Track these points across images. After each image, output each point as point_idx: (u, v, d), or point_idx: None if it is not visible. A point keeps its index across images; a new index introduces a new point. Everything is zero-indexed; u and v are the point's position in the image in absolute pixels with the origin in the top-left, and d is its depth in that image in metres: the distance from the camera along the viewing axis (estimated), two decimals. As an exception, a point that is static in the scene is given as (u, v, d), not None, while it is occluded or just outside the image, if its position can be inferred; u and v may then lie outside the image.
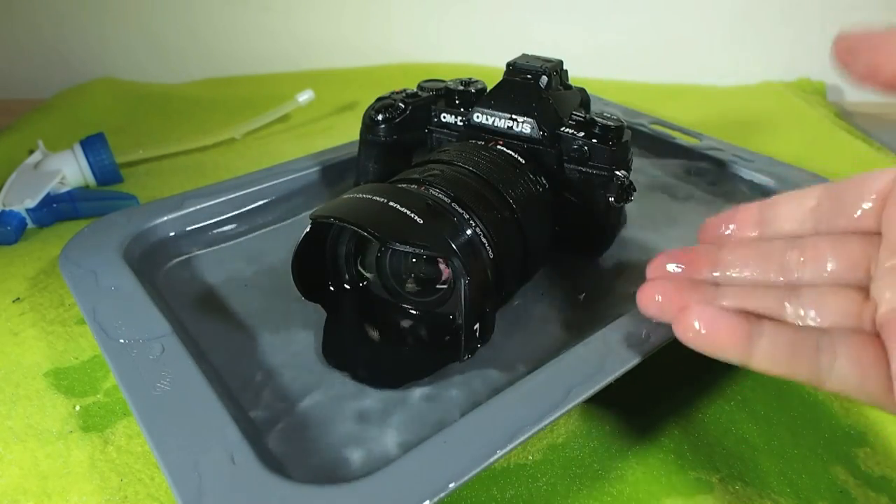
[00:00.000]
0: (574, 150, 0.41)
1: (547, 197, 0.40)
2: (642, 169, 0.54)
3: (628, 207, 0.43)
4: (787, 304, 0.24)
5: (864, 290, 0.23)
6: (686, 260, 0.27)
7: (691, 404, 0.36)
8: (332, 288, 0.37)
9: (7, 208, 0.50)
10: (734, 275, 0.26)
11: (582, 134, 0.40)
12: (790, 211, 0.26)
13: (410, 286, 0.36)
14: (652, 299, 0.26)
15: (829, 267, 0.24)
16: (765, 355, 0.23)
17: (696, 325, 0.24)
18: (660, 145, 0.56)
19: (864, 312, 0.23)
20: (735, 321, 0.24)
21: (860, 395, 0.22)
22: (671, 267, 0.27)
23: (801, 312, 0.24)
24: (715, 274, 0.26)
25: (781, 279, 0.25)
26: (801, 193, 0.26)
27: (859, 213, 0.24)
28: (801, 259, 0.25)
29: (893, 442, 0.34)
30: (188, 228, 0.45)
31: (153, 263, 0.43)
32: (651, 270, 0.27)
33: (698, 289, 0.26)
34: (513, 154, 0.40)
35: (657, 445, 0.33)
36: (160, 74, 0.82)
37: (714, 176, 0.52)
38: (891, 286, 0.22)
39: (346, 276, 0.37)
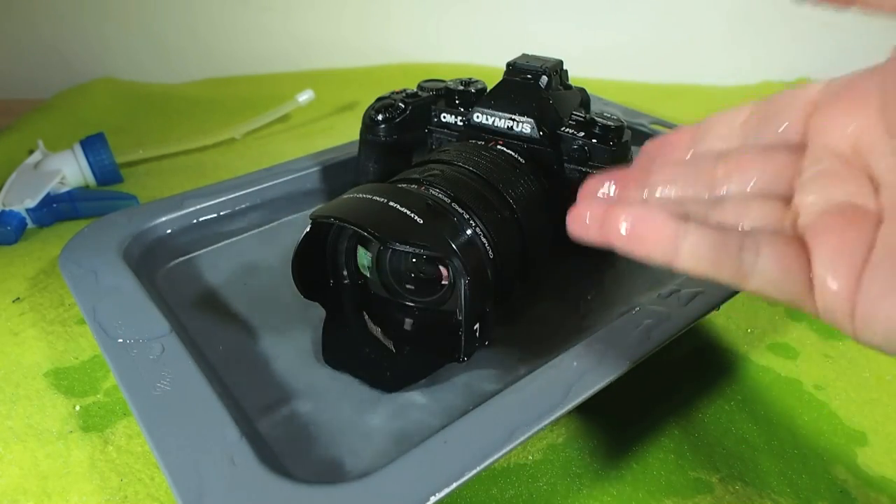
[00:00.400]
0: (574, 150, 0.41)
1: (547, 197, 0.40)
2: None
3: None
4: (710, 214, 0.24)
5: (787, 200, 0.23)
6: (616, 179, 0.27)
7: (691, 404, 0.36)
8: (331, 283, 0.37)
9: (7, 208, 0.50)
10: (662, 191, 0.26)
11: (582, 134, 0.40)
12: (721, 128, 0.26)
13: (410, 286, 0.36)
14: (581, 220, 0.26)
15: (754, 178, 0.24)
16: (689, 255, 0.23)
17: (623, 226, 0.24)
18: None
19: (785, 219, 0.23)
20: (661, 220, 0.24)
21: (781, 295, 0.22)
22: (601, 188, 0.27)
23: (724, 220, 0.24)
24: (644, 191, 0.26)
25: (707, 194, 0.25)
26: (734, 110, 0.26)
27: (786, 125, 0.24)
28: (727, 172, 0.25)
29: (893, 442, 0.34)
30: (188, 228, 0.45)
31: (153, 263, 0.43)
32: (582, 193, 0.27)
33: (626, 204, 0.25)
34: (513, 154, 0.40)
35: (657, 445, 0.33)
36: (160, 74, 0.82)
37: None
38: (814, 192, 0.22)
39: (346, 274, 0.37)
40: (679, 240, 0.23)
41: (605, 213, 0.25)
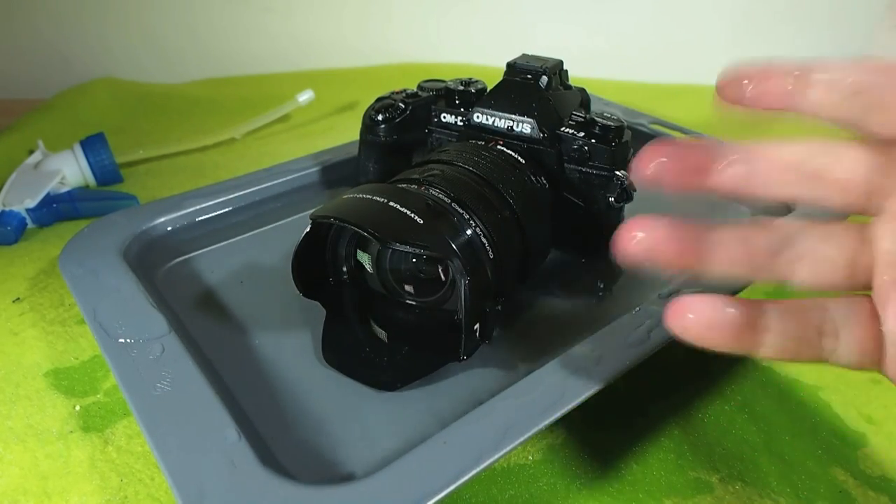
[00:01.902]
0: (574, 150, 0.41)
1: (547, 197, 0.40)
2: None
3: (628, 208, 0.43)
4: (780, 261, 0.23)
5: (861, 229, 0.22)
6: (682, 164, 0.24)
7: (691, 404, 0.36)
8: (331, 283, 0.37)
9: (7, 208, 0.50)
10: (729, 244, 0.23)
11: (582, 134, 0.40)
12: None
13: (410, 286, 0.36)
14: (631, 242, 0.23)
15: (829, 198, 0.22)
16: (771, 348, 0.23)
17: (693, 323, 0.23)
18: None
19: (859, 261, 0.22)
20: (737, 318, 0.23)
21: (860, 369, 0.23)
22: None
23: (795, 272, 0.23)
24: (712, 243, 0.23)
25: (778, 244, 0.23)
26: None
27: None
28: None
29: (893, 442, 0.34)
30: (188, 228, 0.45)
31: (153, 263, 0.43)
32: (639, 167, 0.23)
33: (690, 239, 0.23)
34: (513, 154, 0.40)
35: (657, 445, 0.33)
36: (160, 74, 0.82)
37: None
38: (890, 238, 0.21)
39: (346, 274, 0.37)
40: (759, 338, 0.23)
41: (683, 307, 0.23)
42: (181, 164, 0.62)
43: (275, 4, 0.82)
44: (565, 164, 0.41)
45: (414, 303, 0.37)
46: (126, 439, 0.34)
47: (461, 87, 0.45)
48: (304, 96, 0.68)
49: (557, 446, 0.33)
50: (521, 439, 0.28)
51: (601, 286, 0.42)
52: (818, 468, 0.32)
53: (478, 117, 0.42)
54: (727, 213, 0.49)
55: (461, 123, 0.44)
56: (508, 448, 0.27)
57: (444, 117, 0.45)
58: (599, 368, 0.31)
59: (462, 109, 0.44)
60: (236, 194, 0.47)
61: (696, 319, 0.23)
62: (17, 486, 0.31)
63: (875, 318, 0.22)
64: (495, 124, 0.42)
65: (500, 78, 0.43)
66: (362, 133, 0.48)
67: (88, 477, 0.32)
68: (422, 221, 0.31)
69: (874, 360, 0.22)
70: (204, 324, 0.38)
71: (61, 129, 0.67)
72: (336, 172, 0.51)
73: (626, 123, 0.41)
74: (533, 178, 0.40)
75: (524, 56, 0.43)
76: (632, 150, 0.42)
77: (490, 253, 0.34)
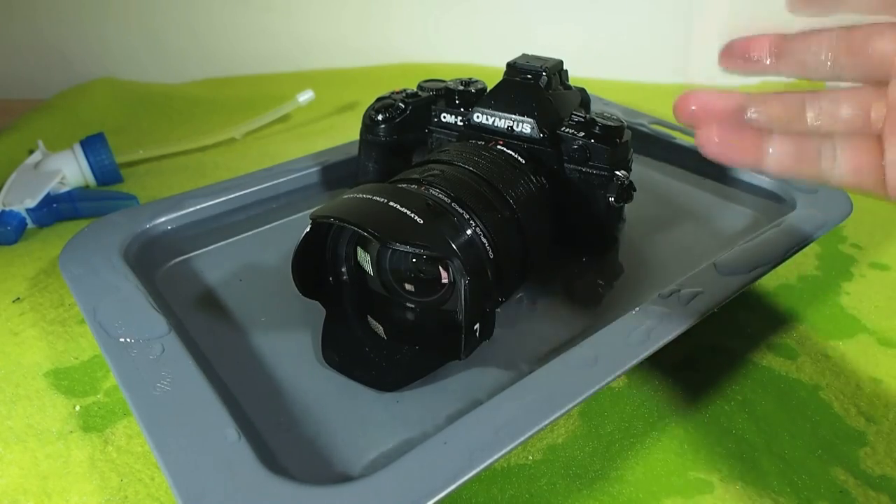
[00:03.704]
0: (574, 150, 0.41)
1: (547, 197, 0.40)
2: (642, 169, 0.54)
3: (628, 208, 0.43)
4: (807, 107, 0.28)
5: (884, 85, 0.25)
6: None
7: (691, 404, 0.36)
8: (331, 282, 0.37)
9: (7, 208, 0.50)
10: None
11: (582, 134, 0.40)
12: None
13: (410, 286, 0.36)
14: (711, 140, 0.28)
15: (851, 65, 0.27)
16: (773, 162, 0.27)
17: (715, 140, 0.27)
18: (660, 145, 0.56)
19: (873, 110, 0.26)
20: (748, 137, 0.27)
21: (858, 189, 0.26)
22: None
23: (815, 115, 0.27)
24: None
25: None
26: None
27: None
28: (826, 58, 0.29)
29: (893, 442, 0.34)
30: (188, 228, 0.45)
31: (153, 263, 0.43)
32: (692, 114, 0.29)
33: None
34: (513, 154, 0.40)
35: (657, 445, 0.33)
36: (160, 74, 0.82)
37: (713, 176, 0.52)
38: None
39: (346, 274, 0.37)
40: (763, 154, 0.27)
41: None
42: (181, 164, 0.62)
43: (274, 4, 0.82)
44: (565, 164, 0.41)
45: (414, 303, 0.37)
46: (126, 439, 0.34)
47: (461, 87, 0.45)
48: (304, 96, 0.68)
49: (558, 446, 0.33)
50: (521, 439, 0.28)
51: (601, 286, 0.42)
52: (818, 468, 0.32)
53: (478, 117, 0.42)
54: (727, 213, 0.49)
55: (461, 123, 0.44)
56: (508, 448, 0.27)
57: (445, 117, 0.45)
58: (599, 368, 0.31)
59: (462, 109, 0.44)
60: (236, 194, 0.47)
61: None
62: (17, 485, 0.31)
63: (876, 149, 0.25)
64: (495, 124, 0.42)
65: (500, 78, 0.43)
66: (362, 133, 0.48)
67: (88, 477, 0.32)
68: (422, 221, 0.31)
69: (871, 183, 0.25)
70: (204, 324, 0.38)
71: (61, 129, 0.67)
72: (336, 172, 0.51)
73: (626, 123, 0.41)
74: (533, 178, 0.40)
75: (524, 56, 0.43)
76: (631, 149, 0.42)
77: (490, 253, 0.34)
